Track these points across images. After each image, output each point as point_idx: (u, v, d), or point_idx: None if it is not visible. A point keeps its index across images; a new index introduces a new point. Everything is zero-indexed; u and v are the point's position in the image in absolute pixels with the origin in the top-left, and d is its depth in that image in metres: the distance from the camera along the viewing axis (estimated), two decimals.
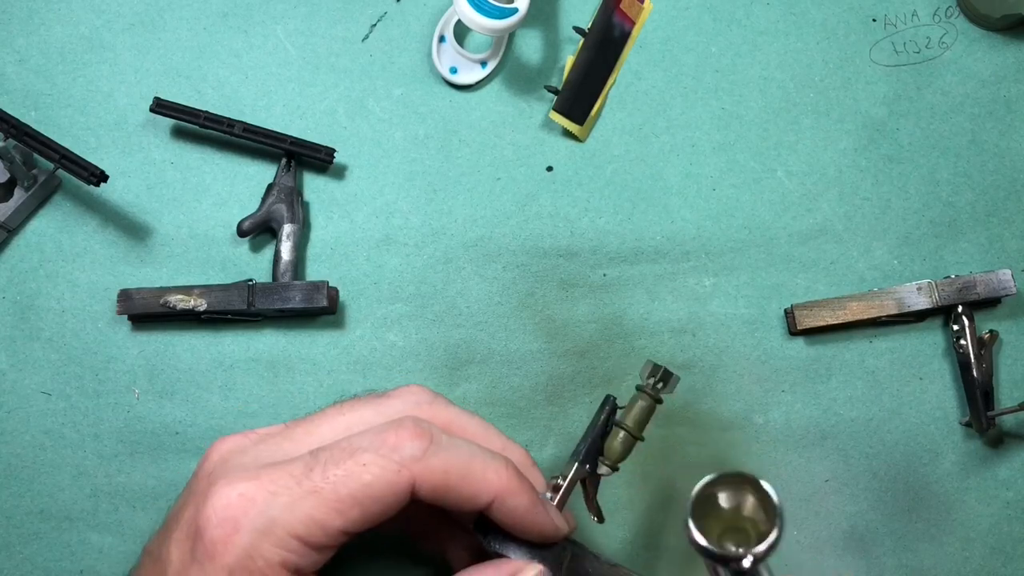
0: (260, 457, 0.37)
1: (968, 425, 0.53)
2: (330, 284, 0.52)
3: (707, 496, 0.48)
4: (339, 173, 0.55)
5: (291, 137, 0.53)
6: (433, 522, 0.45)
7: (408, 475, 0.35)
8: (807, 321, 0.53)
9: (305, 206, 0.54)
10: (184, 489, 0.40)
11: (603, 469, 0.44)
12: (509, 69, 0.57)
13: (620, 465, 0.44)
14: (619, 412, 0.44)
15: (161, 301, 0.51)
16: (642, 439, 0.44)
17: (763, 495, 0.47)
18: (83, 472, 0.51)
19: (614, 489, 0.52)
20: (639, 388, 0.44)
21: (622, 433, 0.44)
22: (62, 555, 0.50)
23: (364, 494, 0.35)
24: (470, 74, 0.57)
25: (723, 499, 0.49)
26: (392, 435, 0.36)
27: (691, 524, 0.43)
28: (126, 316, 0.52)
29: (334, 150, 0.54)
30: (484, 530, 0.41)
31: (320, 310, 0.52)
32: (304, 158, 0.54)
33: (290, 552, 0.34)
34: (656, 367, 0.44)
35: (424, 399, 0.41)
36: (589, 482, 0.44)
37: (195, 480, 0.39)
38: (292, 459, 0.36)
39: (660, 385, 0.44)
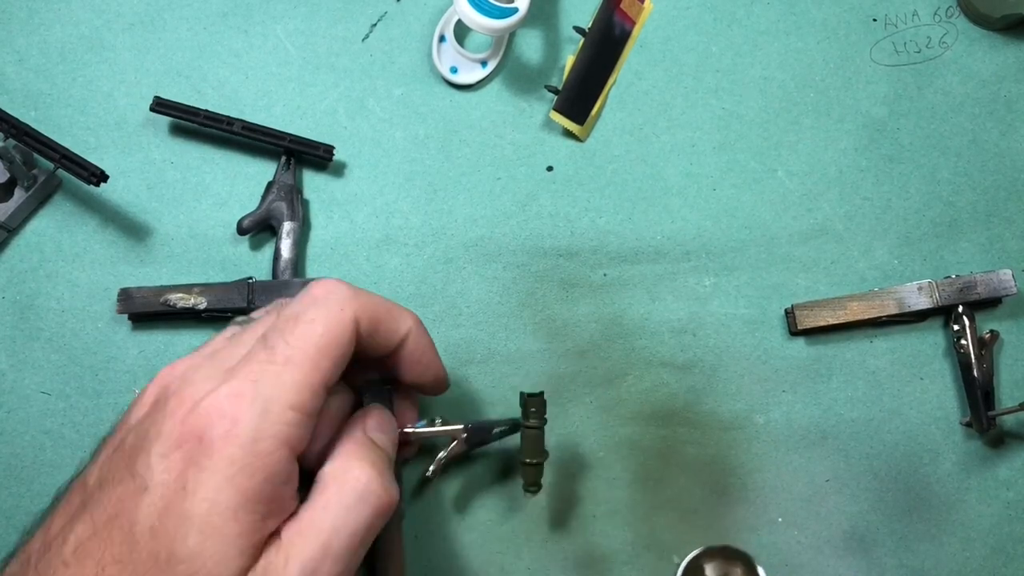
0: (220, 366, 0.38)
1: (968, 425, 0.53)
2: None
3: (695, 567, 0.48)
4: (339, 173, 0.55)
5: (290, 134, 0.53)
6: None
7: (350, 311, 0.38)
8: (807, 321, 0.53)
9: (305, 204, 0.54)
10: (130, 418, 0.39)
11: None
12: (509, 69, 0.57)
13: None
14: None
15: (161, 299, 0.51)
16: (546, 455, 0.47)
17: (752, 570, 0.47)
18: None
19: (615, 489, 0.52)
20: (522, 423, 0.47)
21: (532, 468, 0.47)
22: None
23: (326, 342, 0.37)
24: (470, 74, 0.57)
25: (710, 570, 0.49)
26: (319, 288, 0.39)
27: None
28: (126, 316, 0.52)
29: (333, 147, 0.54)
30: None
31: None
32: (303, 155, 0.54)
33: (289, 425, 0.35)
34: (526, 398, 0.46)
35: (348, 295, 0.40)
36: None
37: (157, 403, 0.38)
38: (249, 352, 0.37)
39: (533, 410, 0.46)
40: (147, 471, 0.35)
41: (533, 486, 0.47)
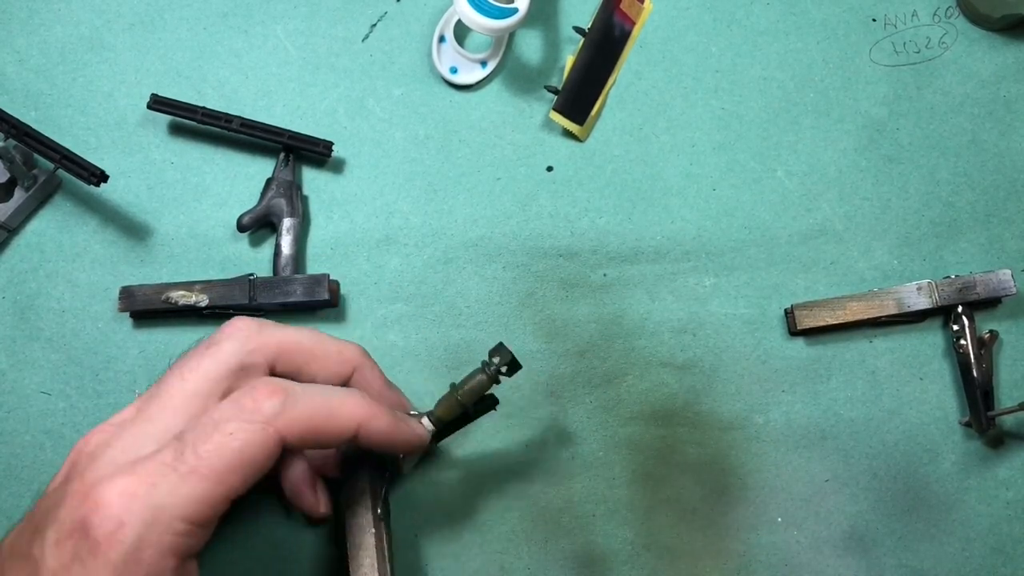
0: (128, 448, 0.37)
1: (968, 425, 0.53)
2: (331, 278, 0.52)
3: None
4: (339, 173, 0.55)
5: (289, 131, 0.53)
6: (300, 479, 0.46)
7: (274, 431, 0.37)
8: (807, 321, 0.53)
9: (304, 200, 0.54)
10: (49, 488, 0.39)
11: (426, 422, 0.45)
12: (509, 69, 0.58)
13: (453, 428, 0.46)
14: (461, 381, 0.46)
15: (163, 297, 0.51)
16: (469, 411, 0.45)
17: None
18: None
19: (615, 489, 0.52)
20: (484, 363, 0.45)
21: (454, 398, 0.45)
22: None
23: (238, 460, 0.36)
24: (470, 74, 0.57)
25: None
26: (248, 399, 0.37)
27: None
28: (126, 315, 0.52)
29: (331, 143, 0.54)
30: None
31: (321, 303, 0.52)
32: (302, 151, 0.54)
33: (178, 535, 0.35)
34: (506, 353, 0.44)
35: (252, 329, 0.41)
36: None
37: (65, 480, 0.38)
38: (161, 448, 0.37)
39: (504, 369, 0.44)
40: (40, 556, 0.35)
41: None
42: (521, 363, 0.45)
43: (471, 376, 0.45)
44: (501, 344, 0.45)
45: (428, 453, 0.49)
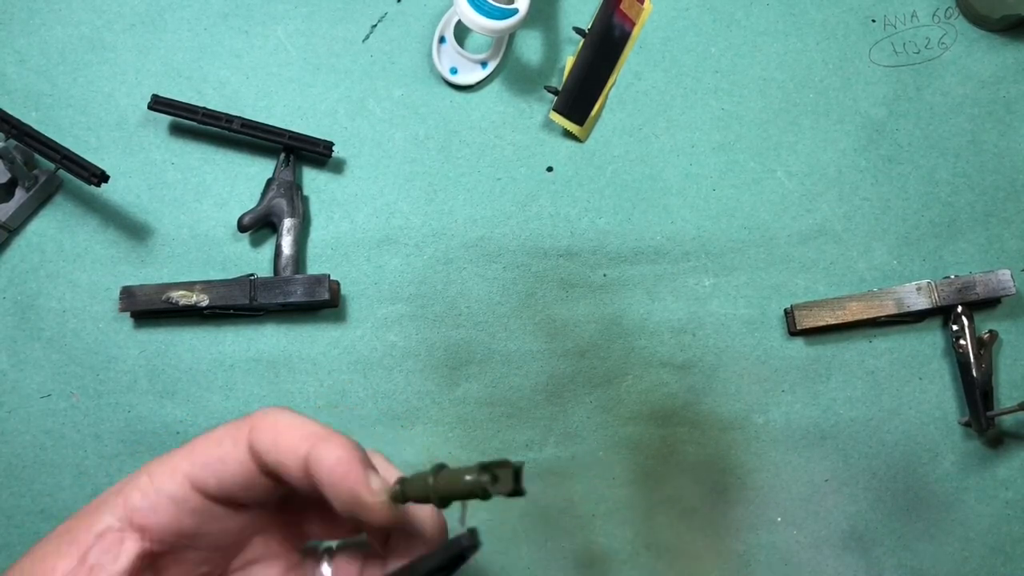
0: None
1: (967, 425, 0.53)
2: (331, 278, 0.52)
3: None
4: (339, 173, 0.55)
5: (289, 131, 0.54)
6: None
7: (247, 426, 0.38)
8: (807, 321, 0.53)
9: (305, 200, 0.55)
10: None
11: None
12: (509, 69, 0.58)
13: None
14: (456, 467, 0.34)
15: (164, 297, 0.51)
16: (441, 506, 0.34)
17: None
18: (84, 472, 0.51)
19: (615, 489, 0.52)
20: (480, 465, 0.32)
21: (427, 480, 0.34)
22: None
23: (210, 441, 0.38)
24: (470, 74, 0.57)
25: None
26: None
27: None
28: (127, 316, 0.52)
29: (332, 143, 0.54)
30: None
31: (322, 303, 0.52)
32: (303, 152, 0.54)
33: (136, 488, 0.37)
34: (507, 475, 0.32)
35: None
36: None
37: None
38: None
39: (499, 489, 0.32)
40: None
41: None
42: (524, 491, 0.33)
43: (461, 470, 0.33)
44: (520, 466, 0.32)
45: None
